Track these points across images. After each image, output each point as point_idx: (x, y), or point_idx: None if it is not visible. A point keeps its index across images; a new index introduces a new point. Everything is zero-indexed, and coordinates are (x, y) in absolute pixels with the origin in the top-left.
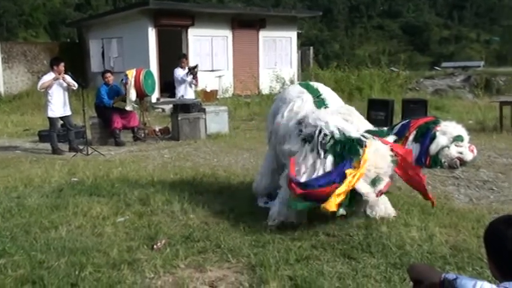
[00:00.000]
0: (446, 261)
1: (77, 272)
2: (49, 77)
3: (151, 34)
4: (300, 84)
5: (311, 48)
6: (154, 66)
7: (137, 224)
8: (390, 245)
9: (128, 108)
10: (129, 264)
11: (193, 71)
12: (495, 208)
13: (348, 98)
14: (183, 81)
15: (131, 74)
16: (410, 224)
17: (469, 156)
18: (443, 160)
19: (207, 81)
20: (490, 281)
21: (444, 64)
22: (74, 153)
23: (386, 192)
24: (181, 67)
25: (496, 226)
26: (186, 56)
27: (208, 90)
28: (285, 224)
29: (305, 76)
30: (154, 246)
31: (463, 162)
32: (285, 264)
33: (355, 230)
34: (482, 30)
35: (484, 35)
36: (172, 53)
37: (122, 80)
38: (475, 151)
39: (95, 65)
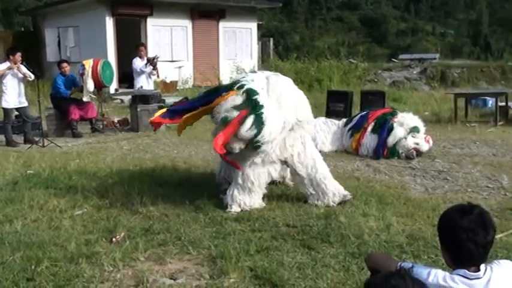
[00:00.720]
0: (403, 250)
1: (33, 267)
2: (3, 66)
3: (109, 23)
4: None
5: (271, 39)
6: (112, 56)
7: (95, 216)
8: (349, 235)
9: (85, 99)
10: (87, 258)
11: (152, 61)
12: (449, 197)
13: (308, 90)
14: (142, 72)
15: (88, 64)
16: (369, 214)
17: (425, 147)
18: (400, 151)
19: (166, 72)
20: (444, 269)
21: (401, 56)
22: (29, 145)
23: None
24: (140, 56)
25: (449, 215)
26: (144, 45)
27: (168, 81)
28: (245, 216)
29: (265, 67)
30: (113, 239)
31: (419, 153)
32: (246, 255)
33: (315, 220)
34: (437, 23)
35: (439, 28)
36: (131, 43)
37: (79, 70)
38: (431, 142)
39: (51, 55)
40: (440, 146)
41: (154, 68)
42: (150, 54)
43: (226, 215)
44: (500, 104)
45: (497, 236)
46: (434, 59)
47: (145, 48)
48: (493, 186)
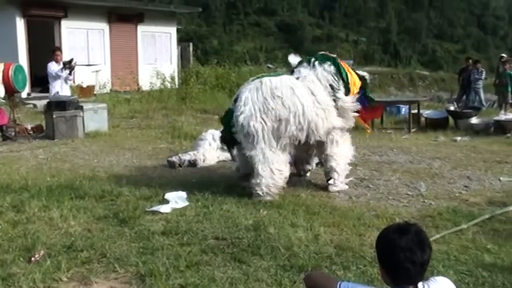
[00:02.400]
0: (333, 261)
1: None
2: None
3: (20, 25)
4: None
5: (191, 44)
6: (23, 59)
7: (11, 234)
8: (279, 247)
9: None
10: (3, 280)
11: (69, 65)
12: (372, 205)
13: (229, 95)
14: (57, 76)
15: None
16: (297, 224)
17: None
18: None
19: (83, 77)
20: (371, 282)
21: None
22: None
23: None
24: (56, 61)
25: (387, 236)
26: (59, 49)
27: (84, 85)
28: (173, 229)
29: (186, 72)
30: (32, 259)
31: None
32: (176, 271)
33: (244, 232)
34: (350, 30)
35: (352, 35)
36: (44, 46)
37: None
38: None
39: None
40: (361, 154)
41: (71, 72)
42: (66, 58)
43: (153, 228)
44: (412, 111)
45: None
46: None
47: (61, 52)
48: (412, 193)
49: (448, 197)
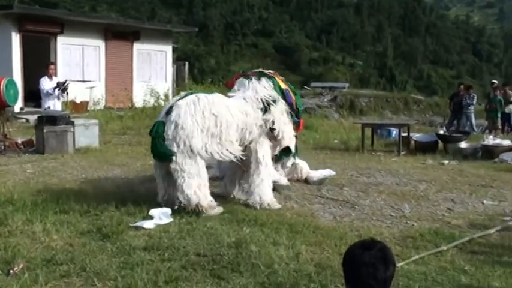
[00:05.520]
0: (311, 279)
1: None
2: None
3: (15, 40)
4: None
5: (186, 63)
6: (18, 74)
7: None
8: (259, 264)
9: None
10: None
11: (62, 86)
12: (356, 226)
13: None
14: (49, 94)
15: None
16: (279, 242)
17: None
18: None
19: (76, 92)
20: None
21: (313, 84)
22: None
23: None
24: (49, 76)
25: (352, 251)
26: (53, 64)
27: (78, 101)
28: (155, 244)
29: (180, 91)
30: (11, 271)
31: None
32: (154, 286)
33: (226, 249)
34: (347, 54)
35: (348, 59)
36: (39, 61)
37: None
38: None
39: None
40: (348, 175)
41: (63, 91)
42: (60, 74)
43: (135, 243)
44: (403, 134)
45: (399, 264)
46: (344, 88)
47: (55, 66)
48: (396, 214)
49: (431, 218)
